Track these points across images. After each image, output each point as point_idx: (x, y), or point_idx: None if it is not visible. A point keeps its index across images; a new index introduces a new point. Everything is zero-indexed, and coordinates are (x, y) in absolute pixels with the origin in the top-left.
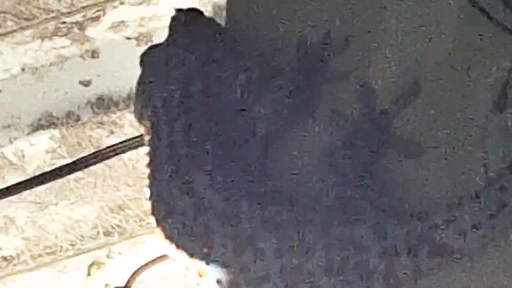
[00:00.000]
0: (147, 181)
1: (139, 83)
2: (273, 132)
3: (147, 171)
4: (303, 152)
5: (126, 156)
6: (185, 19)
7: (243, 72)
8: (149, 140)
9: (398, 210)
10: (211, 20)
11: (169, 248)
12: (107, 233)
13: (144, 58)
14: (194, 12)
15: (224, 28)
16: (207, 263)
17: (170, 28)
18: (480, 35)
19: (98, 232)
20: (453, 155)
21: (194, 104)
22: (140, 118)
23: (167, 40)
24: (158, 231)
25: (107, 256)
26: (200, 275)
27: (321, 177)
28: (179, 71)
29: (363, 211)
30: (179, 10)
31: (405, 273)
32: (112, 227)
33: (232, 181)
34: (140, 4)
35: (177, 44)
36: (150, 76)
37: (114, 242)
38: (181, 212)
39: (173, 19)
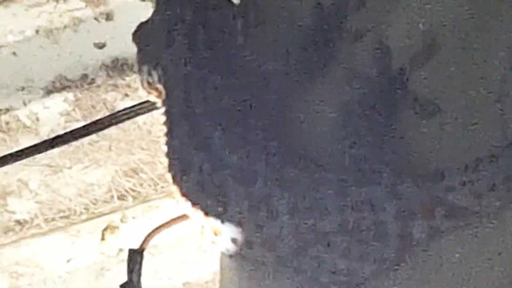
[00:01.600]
0: (164, 139)
1: (140, 49)
2: (288, 89)
3: (163, 129)
4: (318, 110)
5: (140, 119)
6: None
7: (240, 17)
8: (163, 100)
9: (414, 170)
10: None
11: (185, 205)
12: (121, 197)
13: (140, 30)
14: None
15: None
16: (222, 222)
17: None
18: None
19: (112, 196)
20: (470, 115)
21: (203, 58)
22: (148, 81)
23: (157, 7)
24: (174, 188)
25: (121, 221)
26: (215, 234)
27: (336, 137)
28: (180, 27)
29: (379, 171)
30: None
31: (420, 234)
32: (126, 191)
33: (248, 139)
34: None
35: (171, 5)
36: (152, 40)
37: (128, 206)
38: (197, 169)
39: None
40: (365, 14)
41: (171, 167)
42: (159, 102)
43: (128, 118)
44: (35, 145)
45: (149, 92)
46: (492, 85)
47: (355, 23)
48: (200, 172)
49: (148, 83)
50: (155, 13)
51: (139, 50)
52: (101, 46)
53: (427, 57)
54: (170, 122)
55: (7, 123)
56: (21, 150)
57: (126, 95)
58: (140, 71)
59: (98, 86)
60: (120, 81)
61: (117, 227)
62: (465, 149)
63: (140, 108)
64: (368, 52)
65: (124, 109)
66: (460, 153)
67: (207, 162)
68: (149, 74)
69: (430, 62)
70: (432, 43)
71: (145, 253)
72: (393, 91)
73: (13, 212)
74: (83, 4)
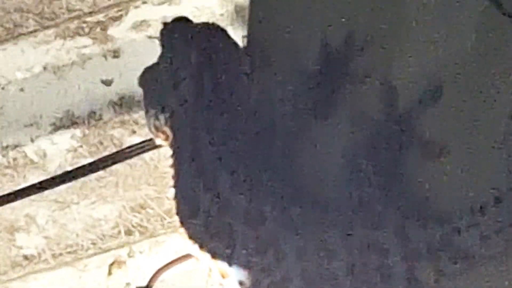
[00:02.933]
0: (171, 182)
1: (146, 93)
2: (295, 130)
3: (170, 171)
4: (325, 151)
5: (147, 155)
6: (175, 28)
7: (246, 59)
8: (171, 142)
9: (420, 213)
10: (201, 23)
11: (193, 248)
12: (128, 232)
13: (145, 74)
14: (181, 20)
15: (217, 25)
16: (230, 264)
17: (162, 41)
18: (502, 37)
19: (119, 231)
20: (475, 157)
21: (210, 101)
22: (155, 125)
23: (162, 51)
24: (182, 231)
25: (128, 255)
26: (223, 276)
27: (343, 178)
28: (186, 69)
29: (385, 213)
30: (165, 23)
31: (426, 277)
32: (133, 226)
33: (256, 180)
34: (162, 3)
35: (176, 49)
36: (158, 83)
37: (135, 241)
38: (205, 212)
39: (163, 31)
40: (371, 56)
41: (178, 210)
42: (166, 145)
43: (136, 155)
44: (42, 181)
45: (156, 136)
46: (498, 127)
47: (361, 64)
48: (207, 215)
49: (155, 126)
50: (160, 56)
51: (145, 94)
52: (108, 83)
53: (434, 99)
54: (177, 165)
55: (14, 159)
56: (29, 186)
57: (133, 131)
58: (146, 114)
59: (105, 123)
60: (127, 118)
61: (124, 262)
62: (470, 192)
63: (147, 145)
64: (374, 93)
65: (131, 146)
66: (466, 196)
67: (214, 204)
68: (156, 117)
69: (436, 104)
70: (438, 84)
71: None
72: (400, 132)
73: (20, 247)
74: (90, 41)
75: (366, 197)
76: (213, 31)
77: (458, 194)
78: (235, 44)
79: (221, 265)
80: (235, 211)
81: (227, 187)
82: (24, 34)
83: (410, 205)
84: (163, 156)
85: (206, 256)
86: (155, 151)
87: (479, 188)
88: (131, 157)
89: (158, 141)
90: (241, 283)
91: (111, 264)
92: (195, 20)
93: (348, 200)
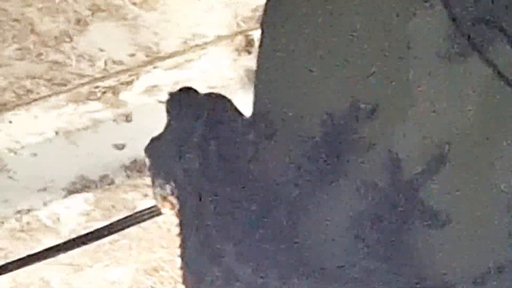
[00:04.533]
0: (178, 251)
1: (153, 163)
2: (299, 199)
3: (177, 241)
4: (329, 221)
5: (160, 218)
6: (180, 97)
7: (251, 130)
8: (177, 212)
9: (424, 283)
10: (207, 93)
11: None
12: None
13: (152, 144)
14: (188, 90)
15: (222, 95)
16: None
17: (168, 110)
18: (505, 107)
19: None
20: (479, 225)
21: (215, 171)
22: (162, 195)
23: (168, 121)
24: None
25: None
26: None
27: (348, 248)
28: (191, 140)
29: (389, 284)
30: (171, 93)
31: None
32: None
33: (260, 250)
34: (173, 68)
35: (181, 119)
36: (164, 153)
37: None
38: (210, 283)
39: (169, 101)
40: (375, 125)
41: (185, 279)
42: (172, 215)
43: (148, 218)
44: (56, 245)
45: (162, 205)
46: (501, 195)
47: (366, 133)
48: (212, 285)
49: (161, 196)
50: (166, 127)
51: (151, 164)
52: (120, 147)
53: (437, 168)
54: (183, 234)
55: (28, 223)
56: (43, 250)
57: (146, 195)
58: (153, 184)
59: (118, 187)
60: (139, 181)
61: None
62: (474, 260)
63: (159, 208)
64: (378, 162)
65: (144, 209)
66: (469, 265)
67: (219, 275)
68: (162, 187)
69: (440, 173)
70: (442, 153)
71: None
72: (404, 202)
73: None
74: (102, 106)
75: (370, 267)
76: (218, 101)
77: (461, 263)
78: (240, 113)
79: None
80: (239, 282)
81: (231, 258)
82: (35, 100)
83: (413, 274)
84: (175, 219)
85: None
86: (168, 214)
87: (482, 257)
88: (144, 220)
89: (164, 211)
90: None
91: None
92: (206, 83)
93: (352, 270)
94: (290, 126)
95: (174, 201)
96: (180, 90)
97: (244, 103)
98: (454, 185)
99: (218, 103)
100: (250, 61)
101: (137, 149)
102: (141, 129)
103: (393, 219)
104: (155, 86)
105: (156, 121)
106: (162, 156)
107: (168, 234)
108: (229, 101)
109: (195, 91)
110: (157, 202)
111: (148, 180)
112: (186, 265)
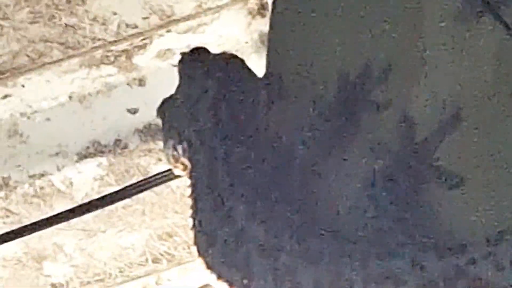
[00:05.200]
0: (190, 212)
1: (165, 124)
2: (312, 160)
3: (189, 202)
4: (342, 182)
5: (173, 183)
6: (192, 58)
7: (264, 90)
8: (189, 173)
9: (437, 243)
10: (219, 54)
11: (211, 278)
12: (155, 260)
13: (164, 105)
14: (200, 51)
15: (235, 55)
16: None
17: (180, 71)
18: None
19: (147, 259)
20: (493, 186)
21: (227, 131)
22: (174, 156)
23: (180, 82)
24: (200, 261)
25: (156, 283)
26: None
27: (360, 209)
28: (204, 100)
29: (401, 244)
30: (183, 54)
31: None
32: (161, 254)
33: (272, 211)
34: (186, 32)
35: (193, 79)
36: (176, 114)
37: (163, 269)
38: (222, 242)
39: (180, 62)
40: (389, 86)
41: (196, 240)
42: (184, 175)
43: (162, 183)
44: (69, 210)
45: (174, 166)
46: None
47: (379, 95)
48: (224, 245)
49: (173, 157)
50: (178, 87)
51: (164, 125)
52: (133, 111)
53: (451, 129)
54: (195, 195)
55: (41, 188)
56: (56, 215)
57: (159, 159)
58: (165, 146)
59: (131, 151)
60: (153, 146)
61: None
62: (488, 221)
63: (173, 172)
64: (392, 124)
65: (157, 174)
66: (483, 225)
67: (232, 235)
68: (174, 148)
69: (454, 134)
70: (455, 114)
71: None
72: (417, 163)
73: (48, 276)
74: (115, 70)
75: (382, 227)
76: (230, 61)
77: (475, 224)
78: (253, 74)
79: None
80: (252, 242)
81: (244, 218)
82: (49, 64)
83: (427, 235)
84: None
85: (224, 286)
86: (181, 178)
87: (496, 218)
88: (157, 185)
89: (176, 172)
90: None
91: None
92: (220, 48)
93: (365, 230)
94: (302, 87)
95: (186, 162)
96: (192, 50)
97: (258, 66)
98: (468, 146)
99: (230, 63)
100: (264, 25)
101: (150, 114)
102: (154, 93)
103: (406, 180)
104: (168, 50)
105: (169, 85)
106: (174, 117)
107: (182, 199)
108: (242, 60)
109: (207, 51)
110: (169, 163)
111: (161, 145)
112: (199, 226)
